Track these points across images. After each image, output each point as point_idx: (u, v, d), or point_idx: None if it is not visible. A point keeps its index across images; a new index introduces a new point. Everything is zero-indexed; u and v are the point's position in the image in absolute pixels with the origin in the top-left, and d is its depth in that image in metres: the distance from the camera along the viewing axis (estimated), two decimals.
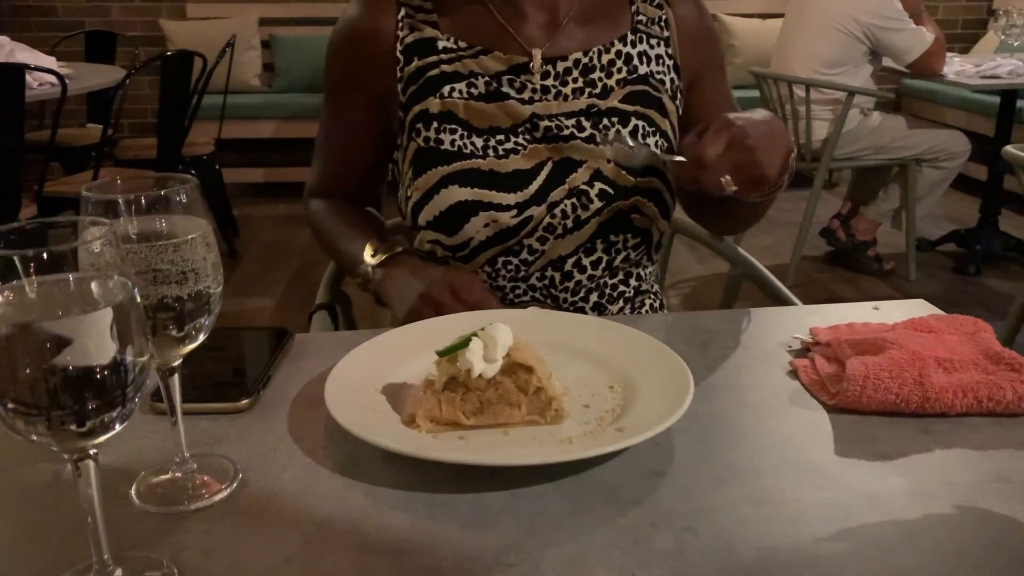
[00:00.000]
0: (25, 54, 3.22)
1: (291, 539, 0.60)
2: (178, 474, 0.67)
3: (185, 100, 3.57)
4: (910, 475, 0.66)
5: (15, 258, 0.46)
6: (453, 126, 1.03)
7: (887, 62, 3.42)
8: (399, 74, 1.07)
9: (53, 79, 3.01)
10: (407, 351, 0.83)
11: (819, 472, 0.67)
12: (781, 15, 3.82)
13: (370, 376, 0.79)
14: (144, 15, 5.19)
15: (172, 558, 0.57)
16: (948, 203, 4.38)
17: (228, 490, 0.66)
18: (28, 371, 0.44)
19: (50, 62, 3.18)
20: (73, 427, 0.46)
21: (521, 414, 0.73)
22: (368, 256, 1.03)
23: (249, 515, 0.63)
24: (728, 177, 0.91)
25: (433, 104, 1.04)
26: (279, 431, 0.74)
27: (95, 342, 0.46)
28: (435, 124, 1.04)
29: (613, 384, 0.79)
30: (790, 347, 0.89)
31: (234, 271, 3.76)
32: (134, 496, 0.65)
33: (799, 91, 3.32)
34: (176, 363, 0.63)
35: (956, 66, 3.43)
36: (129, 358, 0.47)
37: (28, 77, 2.89)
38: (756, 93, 3.69)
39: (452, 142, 1.03)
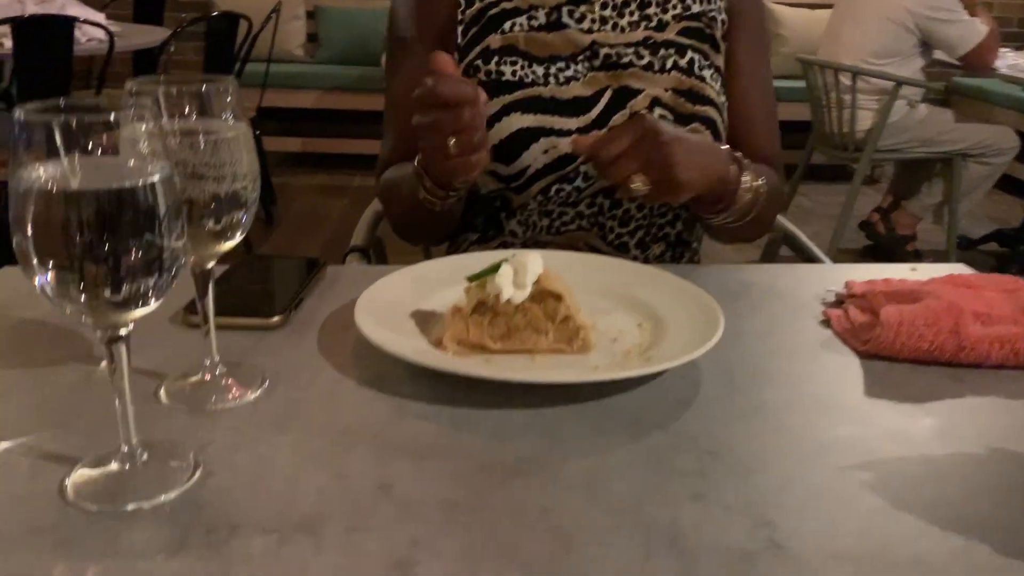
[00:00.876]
0: (76, 8, 3.26)
1: (316, 441, 0.60)
2: (207, 377, 0.68)
3: (229, 64, 3.60)
4: (940, 417, 0.65)
5: (57, 127, 0.47)
6: (514, 58, 1.05)
7: (938, 55, 3.36)
8: (460, 17, 1.08)
9: (101, 35, 3.06)
10: (439, 281, 0.83)
11: (846, 410, 0.66)
12: (829, 6, 3.76)
13: (400, 301, 0.80)
14: None
15: (198, 451, 0.58)
16: (992, 202, 4.29)
17: (255, 395, 0.66)
18: (67, 236, 0.45)
19: (100, 18, 3.22)
20: (108, 293, 0.46)
21: (548, 341, 0.73)
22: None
23: (275, 418, 0.63)
24: (641, 176, 0.85)
25: (494, 40, 1.06)
26: (308, 348, 0.75)
27: (134, 211, 0.46)
28: (496, 58, 1.05)
29: (642, 322, 0.79)
30: (824, 299, 0.88)
31: (269, 238, 3.79)
32: (162, 395, 0.66)
33: (845, 80, 3.27)
34: (211, 264, 0.64)
35: (1010, 60, 3.36)
36: (165, 230, 0.48)
37: (77, 32, 2.93)
38: (802, 83, 3.64)
39: (513, 72, 1.04)
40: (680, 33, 1.07)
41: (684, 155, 0.86)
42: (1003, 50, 3.44)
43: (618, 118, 1.04)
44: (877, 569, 0.48)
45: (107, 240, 0.45)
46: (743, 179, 0.95)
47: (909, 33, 3.20)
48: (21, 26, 2.72)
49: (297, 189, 4.65)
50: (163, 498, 0.53)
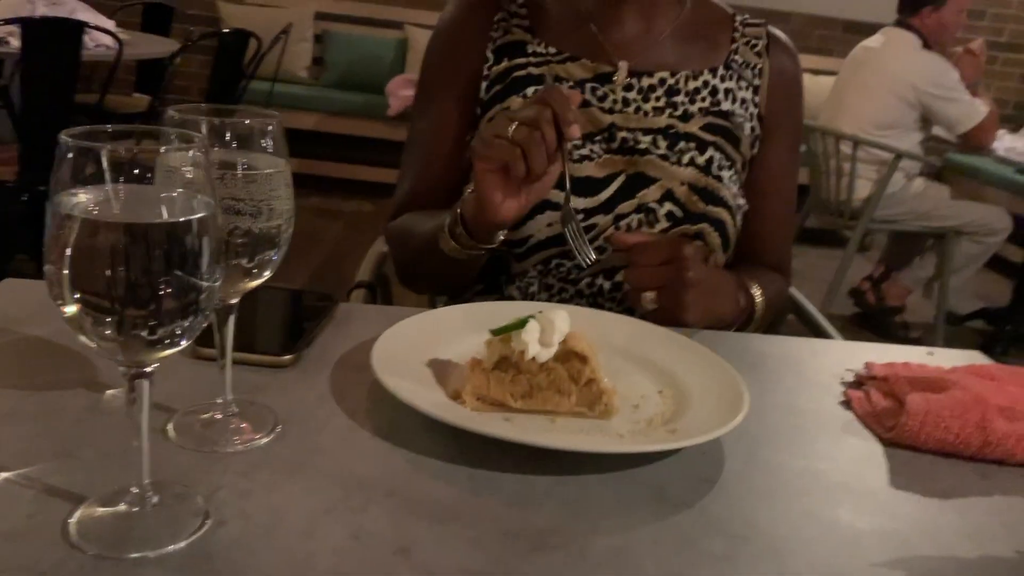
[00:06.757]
0: (86, 14, 3.25)
1: (331, 492, 0.58)
2: (218, 415, 0.65)
3: (235, 80, 3.60)
4: (968, 516, 0.64)
5: (103, 155, 0.45)
6: None
7: (937, 131, 3.41)
8: (486, 72, 1.07)
9: (109, 41, 3.04)
10: (457, 329, 0.82)
11: (875, 500, 0.65)
12: (833, 73, 3.82)
13: (417, 348, 0.77)
14: None
15: (208, 496, 0.56)
16: (981, 281, 4.33)
17: (267, 438, 0.64)
18: (109, 270, 0.43)
19: (109, 25, 3.21)
20: (144, 333, 0.44)
21: (570, 403, 0.71)
22: (448, 215, 0.96)
23: (288, 465, 0.61)
24: (652, 295, 0.91)
25: (515, 102, 1.04)
26: (320, 389, 0.73)
27: (180, 248, 0.44)
28: None
29: (663, 389, 0.78)
30: (843, 379, 0.86)
31: None
32: (171, 431, 0.64)
33: (846, 148, 3.31)
34: (235, 300, 0.62)
35: (1007, 142, 3.41)
36: (206, 271, 0.46)
37: (85, 36, 2.91)
38: (803, 147, 3.66)
39: None
40: (704, 128, 1.05)
41: (698, 299, 0.90)
42: (1000, 131, 3.49)
43: (626, 206, 1.02)
44: None
45: (151, 278, 0.43)
46: (756, 304, 1.00)
47: (911, 107, 3.24)
48: (31, 27, 2.70)
49: None
50: (171, 548, 0.51)
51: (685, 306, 0.89)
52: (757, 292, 1.01)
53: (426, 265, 1.05)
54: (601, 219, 1.01)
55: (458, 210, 0.94)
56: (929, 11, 3.27)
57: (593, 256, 0.92)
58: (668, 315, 0.90)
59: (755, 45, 1.11)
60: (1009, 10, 5.48)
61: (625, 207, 1.02)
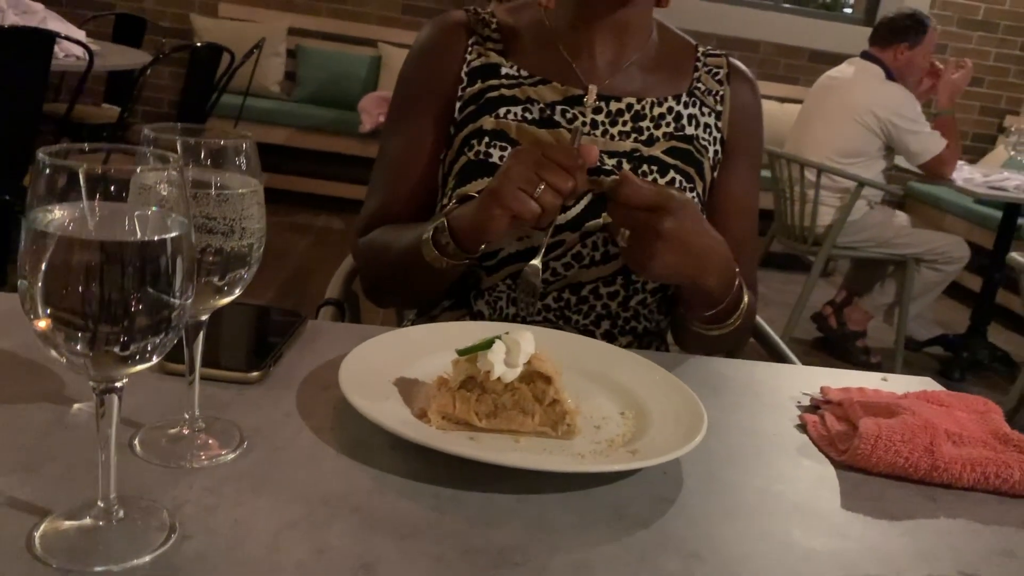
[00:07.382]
0: (57, 23, 3.23)
1: (295, 508, 0.59)
2: (184, 431, 0.66)
3: (207, 93, 3.59)
4: (916, 537, 0.66)
5: (80, 173, 0.46)
6: (503, 144, 1.06)
7: (899, 161, 3.49)
8: (460, 93, 1.10)
9: (80, 52, 3.03)
10: (424, 348, 0.83)
11: (826, 521, 0.67)
12: (798, 101, 3.90)
13: (384, 367, 0.79)
14: (176, 7, 5.23)
15: (173, 511, 0.56)
16: (939, 308, 4.42)
17: (233, 454, 0.65)
18: (82, 287, 0.44)
19: (80, 35, 3.19)
20: (116, 349, 0.45)
21: (533, 424, 0.73)
22: (432, 224, 0.98)
23: (253, 480, 0.62)
24: (626, 233, 0.90)
25: (487, 122, 1.07)
26: (287, 407, 0.73)
27: (153, 267, 0.45)
28: (487, 139, 1.06)
29: (625, 411, 0.79)
30: (799, 402, 0.89)
31: None
32: (137, 446, 0.64)
33: (810, 175, 3.37)
34: (205, 317, 0.63)
35: (965, 173, 3.50)
36: (179, 289, 0.47)
37: (56, 47, 2.89)
38: (767, 173, 3.74)
39: (500, 158, 1.05)
40: (667, 152, 1.08)
41: (668, 252, 0.88)
42: (959, 162, 3.58)
43: (593, 224, 1.04)
44: None
45: (123, 295, 0.44)
46: (743, 298, 1.00)
47: (874, 136, 3.32)
48: (0, 36, 2.68)
49: None
50: (136, 561, 0.51)
51: (652, 254, 0.88)
52: (744, 290, 1.01)
53: (401, 276, 1.06)
54: (569, 236, 1.04)
55: (445, 221, 0.95)
56: (904, 48, 3.37)
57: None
58: (635, 257, 0.91)
59: (716, 74, 1.15)
60: (969, 45, 5.63)
61: (592, 225, 1.05)
